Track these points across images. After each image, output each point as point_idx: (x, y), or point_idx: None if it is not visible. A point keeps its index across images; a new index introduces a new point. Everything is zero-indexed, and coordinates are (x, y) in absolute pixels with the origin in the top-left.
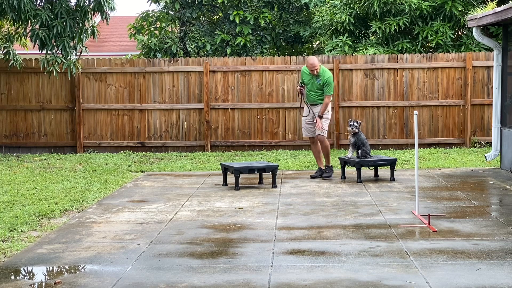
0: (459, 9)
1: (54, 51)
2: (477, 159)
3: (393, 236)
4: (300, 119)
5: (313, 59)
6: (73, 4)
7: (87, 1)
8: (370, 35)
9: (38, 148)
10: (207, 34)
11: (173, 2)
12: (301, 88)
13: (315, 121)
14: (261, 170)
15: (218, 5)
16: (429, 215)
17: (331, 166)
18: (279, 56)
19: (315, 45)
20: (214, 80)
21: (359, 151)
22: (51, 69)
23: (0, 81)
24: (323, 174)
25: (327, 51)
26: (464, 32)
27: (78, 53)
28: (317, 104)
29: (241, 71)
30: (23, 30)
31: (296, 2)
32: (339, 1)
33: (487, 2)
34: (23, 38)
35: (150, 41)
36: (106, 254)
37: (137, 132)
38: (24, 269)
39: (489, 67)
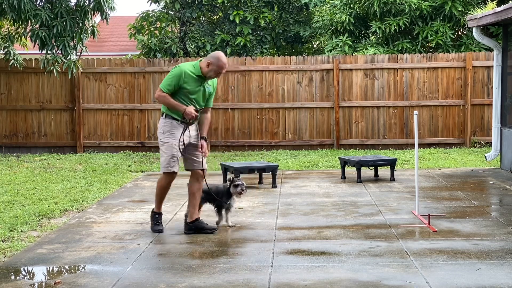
0: (459, 9)
1: (54, 51)
2: (477, 159)
3: (393, 236)
4: (300, 118)
5: (223, 57)
6: (73, 4)
7: (87, 1)
8: (370, 35)
9: (38, 148)
10: (207, 34)
11: (173, 2)
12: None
13: (200, 145)
14: (261, 170)
15: (218, 5)
16: (429, 215)
17: (161, 213)
18: (279, 56)
19: (315, 45)
20: None
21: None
22: (51, 69)
23: (0, 81)
24: (152, 226)
25: (327, 51)
26: (464, 32)
27: (78, 53)
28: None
29: (241, 71)
30: (23, 30)
31: (296, 2)
32: (339, 1)
33: (487, 2)
34: (23, 38)
35: (150, 41)
36: (106, 254)
37: (137, 132)
38: (24, 269)
39: (489, 67)
